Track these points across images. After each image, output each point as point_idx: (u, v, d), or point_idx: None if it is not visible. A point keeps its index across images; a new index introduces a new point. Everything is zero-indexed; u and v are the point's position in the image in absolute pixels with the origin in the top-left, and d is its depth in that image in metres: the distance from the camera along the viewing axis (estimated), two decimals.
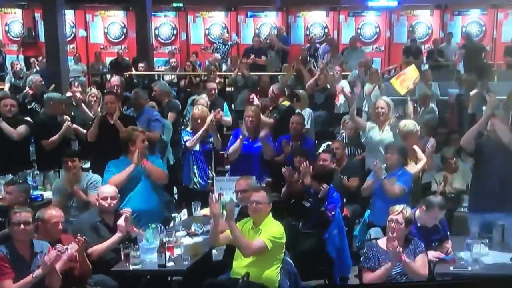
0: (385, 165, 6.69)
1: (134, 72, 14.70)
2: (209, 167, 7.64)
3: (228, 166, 8.19)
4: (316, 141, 9.04)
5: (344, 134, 8.90)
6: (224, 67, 15.35)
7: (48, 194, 7.48)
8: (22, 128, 8.14)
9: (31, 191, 7.14)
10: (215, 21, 19.06)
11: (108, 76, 13.92)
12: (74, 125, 8.30)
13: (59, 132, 8.03)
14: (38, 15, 18.31)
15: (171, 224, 6.46)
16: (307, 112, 9.17)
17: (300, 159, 7.18)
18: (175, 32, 19.24)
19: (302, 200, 6.81)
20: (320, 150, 8.12)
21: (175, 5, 18.97)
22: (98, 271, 5.62)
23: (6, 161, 7.97)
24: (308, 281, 6.34)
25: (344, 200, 7.20)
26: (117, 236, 5.76)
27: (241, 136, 7.51)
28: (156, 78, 14.15)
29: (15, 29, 19.37)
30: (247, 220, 5.65)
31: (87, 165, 8.08)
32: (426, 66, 15.06)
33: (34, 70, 14.18)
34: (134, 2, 17.40)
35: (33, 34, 18.82)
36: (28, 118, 8.81)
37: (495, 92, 8.44)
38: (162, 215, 6.77)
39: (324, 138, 9.05)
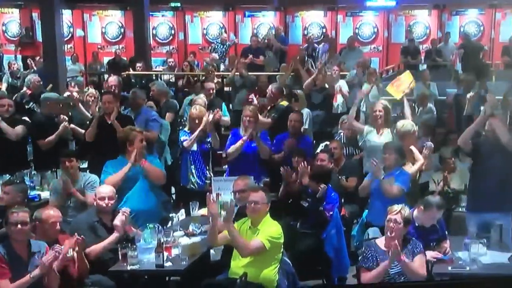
0: (383, 165, 6.68)
1: (131, 72, 14.67)
2: (207, 167, 7.63)
3: (226, 166, 8.18)
4: (314, 141, 9.03)
5: (342, 134, 8.90)
6: (222, 67, 15.34)
7: (45, 194, 7.47)
8: (19, 128, 8.11)
9: (29, 191, 7.13)
10: (213, 21, 19.03)
11: (106, 76, 13.90)
12: (72, 125, 8.29)
13: (56, 132, 8.02)
14: (35, 15, 18.27)
15: (169, 224, 6.45)
16: (305, 112, 9.16)
17: (298, 159, 7.17)
18: (173, 32, 19.20)
19: (300, 200, 6.81)
20: (318, 150, 8.12)
21: (173, 4, 18.95)
22: (96, 271, 5.62)
23: (4, 161, 7.94)
24: (306, 281, 6.33)
25: (342, 200, 7.20)
26: (114, 235, 5.76)
27: (244, 138, 7.49)
28: (154, 78, 14.13)
29: (13, 29, 19.32)
30: (245, 220, 5.65)
31: (85, 165, 8.06)
32: (424, 66, 15.08)
33: (31, 70, 14.13)
34: (132, 2, 17.37)
35: (31, 33, 18.78)
36: (26, 118, 8.79)
37: (493, 92, 8.45)
38: (160, 215, 6.76)
39: (322, 138, 9.04)
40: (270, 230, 5.45)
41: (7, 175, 7.51)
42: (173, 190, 8.60)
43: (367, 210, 6.96)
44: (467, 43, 15.38)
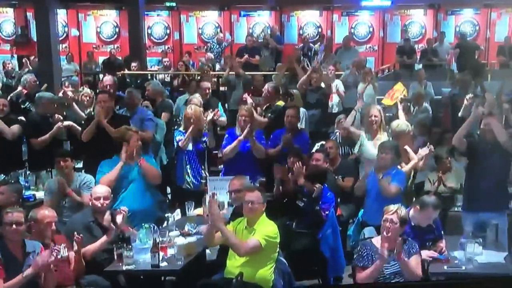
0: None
1: (127, 71, 14.64)
2: (203, 167, 7.61)
3: (222, 166, 8.16)
4: (310, 141, 9.01)
5: (338, 133, 8.89)
6: (217, 67, 15.32)
7: (40, 194, 7.45)
8: (15, 128, 8.09)
9: (23, 191, 7.11)
10: (208, 20, 19.00)
11: (101, 75, 13.86)
12: (70, 122, 8.25)
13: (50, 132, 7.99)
14: (30, 14, 18.23)
15: (165, 224, 6.45)
16: (301, 111, 9.14)
17: (293, 160, 7.15)
18: (168, 31, 19.17)
19: (296, 200, 6.80)
20: (314, 150, 8.11)
21: (168, 4, 18.91)
22: (91, 271, 5.60)
23: None
24: (302, 280, 6.33)
25: (338, 199, 7.19)
26: (108, 234, 5.74)
27: (240, 138, 7.47)
28: (149, 77, 14.10)
29: (7, 29, 19.25)
30: (240, 220, 5.64)
31: (80, 165, 8.04)
32: (420, 66, 15.09)
33: (26, 69, 14.09)
34: (127, 2, 17.33)
35: (26, 33, 18.73)
36: (22, 118, 8.76)
37: (488, 91, 8.46)
38: (155, 215, 6.75)
39: (318, 138, 9.03)
40: (267, 229, 5.44)
41: (2, 175, 7.49)
42: (168, 190, 8.58)
43: (362, 210, 6.95)
44: (462, 42, 15.40)
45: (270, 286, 5.43)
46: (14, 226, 5.03)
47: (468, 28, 17.53)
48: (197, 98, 8.96)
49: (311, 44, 15.51)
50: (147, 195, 6.79)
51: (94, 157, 7.24)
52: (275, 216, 5.96)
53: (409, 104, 9.99)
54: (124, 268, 5.49)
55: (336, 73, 11.57)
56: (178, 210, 6.89)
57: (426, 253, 5.67)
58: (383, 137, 7.40)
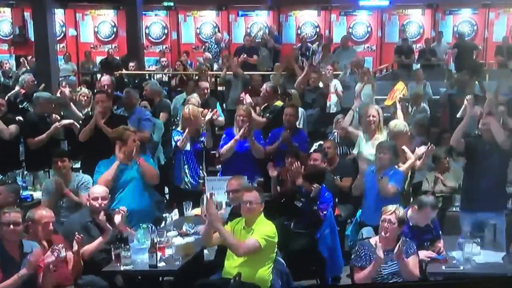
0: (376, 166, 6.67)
1: (124, 71, 14.62)
2: (200, 167, 7.60)
3: (220, 166, 8.15)
4: (308, 139, 9.01)
5: (336, 133, 8.89)
6: (215, 67, 15.30)
7: (38, 194, 7.43)
8: (13, 127, 8.08)
9: (21, 192, 7.10)
10: (206, 20, 19.00)
11: (99, 75, 13.85)
12: (71, 121, 8.23)
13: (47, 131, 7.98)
14: (27, 14, 18.20)
15: (162, 224, 6.44)
16: (299, 111, 9.13)
17: (291, 160, 7.13)
18: (166, 31, 19.17)
19: (294, 200, 6.79)
20: (312, 150, 8.10)
21: (166, 4, 18.90)
22: (89, 272, 5.59)
23: None
24: (300, 281, 6.32)
25: (336, 200, 7.19)
26: (105, 235, 5.74)
27: (236, 137, 7.47)
28: (147, 77, 14.09)
29: (4, 28, 19.22)
30: (238, 220, 5.63)
31: (77, 165, 8.02)
32: (418, 66, 15.10)
33: (24, 69, 14.07)
34: (125, 1, 17.33)
35: (23, 33, 18.70)
36: (20, 118, 8.74)
37: (488, 91, 8.47)
38: (153, 215, 6.74)
39: (316, 138, 9.02)
40: (265, 229, 5.43)
41: None
42: (166, 190, 8.57)
43: (360, 210, 6.95)
44: (460, 42, 15.39)
45: (268, 286, 5.42)
46: (11, 226, 5.02)
47: (466, 28, 17.54)
48: (195, 98, 8.95)
49: (309, 44, 15.52)
50: (145, 195, 6.78)
51: (92, 157, 7.22)
52: (273, 216, 5.95)
53: (407, 104, 9.99)
54: (122, 268, 5.48)
55: (334, 73, 11.55)
56: (176, 210, 6.88)
57: (424, 253, 5.67)
58: (381, 137, 7.39)
